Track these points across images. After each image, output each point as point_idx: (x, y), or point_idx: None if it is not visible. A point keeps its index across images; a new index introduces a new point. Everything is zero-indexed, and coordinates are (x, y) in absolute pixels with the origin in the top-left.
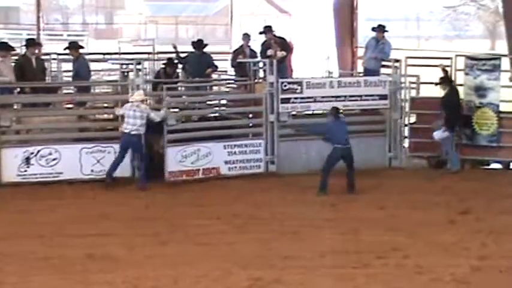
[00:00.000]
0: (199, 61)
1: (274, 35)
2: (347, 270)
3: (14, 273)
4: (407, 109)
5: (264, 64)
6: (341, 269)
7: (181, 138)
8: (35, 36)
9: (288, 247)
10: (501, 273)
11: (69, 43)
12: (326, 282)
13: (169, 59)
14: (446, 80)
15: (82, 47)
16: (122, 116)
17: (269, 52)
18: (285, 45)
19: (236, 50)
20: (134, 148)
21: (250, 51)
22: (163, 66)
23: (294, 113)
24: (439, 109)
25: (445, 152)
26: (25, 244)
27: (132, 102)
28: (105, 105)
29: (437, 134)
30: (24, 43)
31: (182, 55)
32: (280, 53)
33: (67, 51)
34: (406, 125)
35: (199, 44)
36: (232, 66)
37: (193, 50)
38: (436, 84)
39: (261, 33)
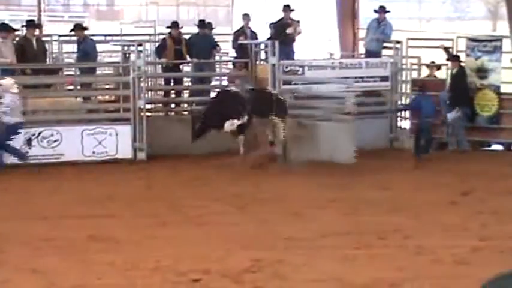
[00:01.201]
0: (203, 42)
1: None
2: (349, 251)
3: (16, 254)
4: (408, 90)
5: (266, 46)
6: (343, 249)
7: None
8: (36, 18)
9: (289, 228)
10: (502, 253)
11: (74, 25)
12: (328, 263)
13: (174, 22)
14: (456, 59)
15: (87, 28)
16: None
17: (289, 30)
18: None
19: (237, 31)
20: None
21: (250, 32)
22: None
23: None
24: (440, 90)
25: (454, 133)
26: (27, 225)
27: (14, 91)
28: (107, 87)
29: (451, 115)
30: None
31: (186, 37)
32: (299, 29)
33: (69, 32)
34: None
35: (203, 24)
36: (233, 47)
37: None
38: (447, 60)
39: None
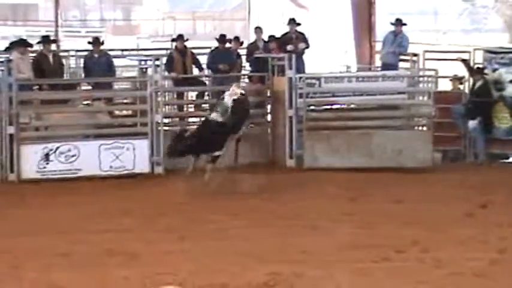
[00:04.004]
0: (223, 56)
1: (296, 30)
2: (366, 264)
3: (33, 269)
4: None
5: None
6: (360, 263)
7: None
8: (53, 33)
9: (306, 241)
10: None
11: (93, 38)
12: (345, 276)
13: (179, 35)
14: (480, 71)
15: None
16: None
17: (289, 47)
18: (305, 38)
19: (250, 44)
20: None
21: (263, 44)
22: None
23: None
24: (457, 103)
25: (472, 144)
26: (44, 240)
27: None
28: (124, 101)
29: (472, 124)
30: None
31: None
32: (301, 45)
33: (88, 45)
34: None
35: (223, 39)
36: (248, 61)
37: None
38: (470, 74)
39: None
